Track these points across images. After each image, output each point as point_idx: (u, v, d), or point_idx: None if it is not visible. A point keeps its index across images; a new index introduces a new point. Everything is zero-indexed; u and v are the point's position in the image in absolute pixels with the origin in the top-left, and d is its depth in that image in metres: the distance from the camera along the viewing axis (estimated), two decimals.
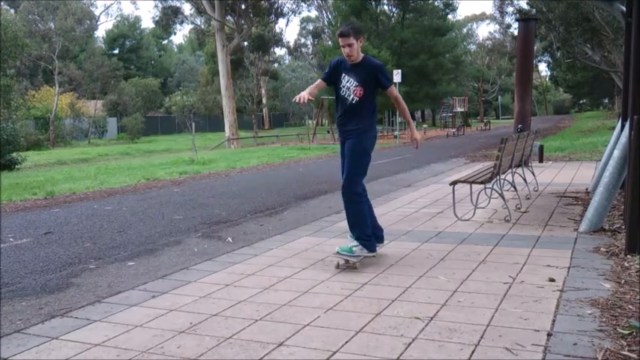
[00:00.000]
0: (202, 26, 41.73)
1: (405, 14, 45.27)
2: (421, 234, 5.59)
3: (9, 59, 21.71)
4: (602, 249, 4.63)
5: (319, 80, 4.69)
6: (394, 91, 4.56)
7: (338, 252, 4.43)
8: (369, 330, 3.09)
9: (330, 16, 52.69)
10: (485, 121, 48.01)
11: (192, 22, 39.06)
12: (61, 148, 35.54)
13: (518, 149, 6.86)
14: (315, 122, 34.41)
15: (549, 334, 2.91)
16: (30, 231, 6.83)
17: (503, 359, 2.65)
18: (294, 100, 4.57)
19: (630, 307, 3.25)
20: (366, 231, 4.48)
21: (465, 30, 71.61)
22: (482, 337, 2.92)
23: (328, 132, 30.64)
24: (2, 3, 40.92)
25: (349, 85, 4.48)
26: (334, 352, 2.81)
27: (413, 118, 49.59)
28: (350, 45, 4.35)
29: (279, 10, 37.64)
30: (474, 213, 6.37)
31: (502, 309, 3.32)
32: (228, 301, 3.72)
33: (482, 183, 6.14)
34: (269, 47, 43.70)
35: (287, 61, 63.63)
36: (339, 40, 4.43)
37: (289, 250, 5.12)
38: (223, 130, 33.41)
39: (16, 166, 20.02)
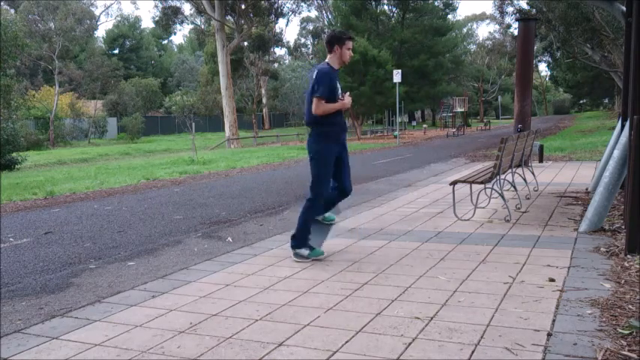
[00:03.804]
0: (202, 26, 41.72)
1: (405, 14, 45.25)
2: (421, 234, 5.59)
3: (9, 59, 21.68)
4: (602, 249, 4.63)
5: (325, 103, 4.50)
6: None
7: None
8: (369, 330, 3.09)
9: (330, 16, 52.68)
10: (485, 121, 48.05)
11: (192, 22, 39.09)
12: (61, 148, 35.55)
13: (518, 149, 6.86)
14: None
15: (549, 334, 2.91)
16: (30, 231, 6.83)
17: (503, 359, 2.65)
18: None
19: (630, 307, 3.25)
20: None
21: (465, 30, 71.58)
22: (482, 337, 2.92)
23: None
24: (2, 3, 40.91)
25: (340, 92, 4.64)
26: (334, 352, 2.81)
27: (413, 118, 49.76)
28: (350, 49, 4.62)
29: (279, 10, 37.60)
30: (474, 213, 6.37)
31: (502, 309, 3.32)
32: (228, 301, 3.72)
33: (482, 183, 6.14)
34: (269, 47, 43.62)
35: (287, 61, 63.59)
36: (350, 43, 4.61)
37: (289, 250, 5.11)
38: (223, 130, 33.40)
39: (16, 166, 20.03)
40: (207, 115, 47.42)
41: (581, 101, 64.70)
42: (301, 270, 4.41)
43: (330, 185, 4.69)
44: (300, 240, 4.68)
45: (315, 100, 4.45)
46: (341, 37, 4.60)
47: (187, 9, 39.32)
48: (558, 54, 37.69)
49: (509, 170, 6.92)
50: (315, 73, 4.50)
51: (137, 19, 72.98)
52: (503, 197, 6.22)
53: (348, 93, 4.68)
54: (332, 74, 4.52)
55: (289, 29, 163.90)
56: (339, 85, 4.61)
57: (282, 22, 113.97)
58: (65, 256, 5.41)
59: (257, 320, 3.33)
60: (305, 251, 4.67)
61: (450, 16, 51.70)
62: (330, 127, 4.58)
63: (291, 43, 54.61)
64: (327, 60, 4.63)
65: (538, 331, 2.97)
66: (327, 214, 4.84)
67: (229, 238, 5.89)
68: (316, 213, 4.69)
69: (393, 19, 45.77)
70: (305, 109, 4.63)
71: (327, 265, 4.52)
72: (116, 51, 68.81)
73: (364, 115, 34.41)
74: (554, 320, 3.11)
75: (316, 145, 4.58)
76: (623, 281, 3.75)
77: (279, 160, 17.49)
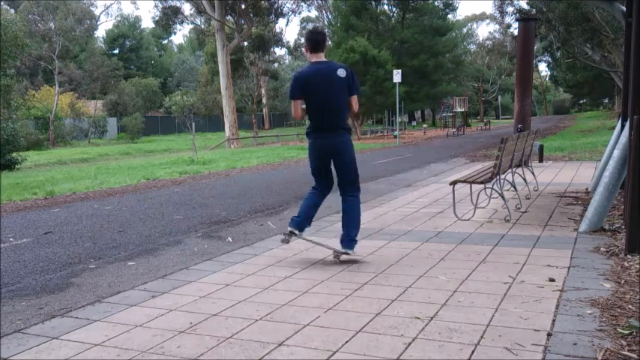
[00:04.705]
0: (202, 26, 41.71)
1: (405, 14, 45.25)
2: (421, 234, 5.59)
3: (9, 59, 21.69)
4: (602, 249, 4.63)
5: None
6: (293, 104, 4.63)
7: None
8: (369, 330, 3.09)
9: (330, 16, 52.67)
10: (485, 121, 48.04)
11: (192, 22, 39.04)
12: (61, 148, 35.55)
13: (518, 149, 6.86)
14: None
15: (549, 334, 2.91)
16: (30, 231, 6.83)
17: (503, 359, 2.65)
18: None
19: (630, 307, 3.25)
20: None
21: (465, 30, 71.60)
22: (482, 337, 2.92)
23: None
24: (2, 3, 40.90)
25: None
26: (334, 352, 2.81)
27: (413, 118, 49.80)
28: None
29: (279, 10, 37.58)
30: (474, 213, 6.37)
31: (502, 309, 3.32)
32: (228, 301, 3.72)
33: (482, 183, 6.14)
34: (269, 47, 43.62)
35: (287, 61, 63.61)
36: None
37: (289, 250, 5.12)
38: (223, 130, 33.40)
39: (16, 165, 20.04)
40: (207, 115, 47.42)
41: (581, 101, 64.70)
42: (301, 270, 4.41)
43: None
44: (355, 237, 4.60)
45: (356, 98, 4.56)
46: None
47: (187, 9, 39.37)
48: (558, 54, 37.69)
49: (509, 170, 6.93)
50: (348, 72, 4.48)
51: (137, 19, 72.98)
52: (503, 197, 6.22)
53: None
54: None
55: (289, 29, 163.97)
56: None
57: (282, 22, 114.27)
58: (65, 256, 5.41)
59: (257, 320, 3.33)
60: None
61: (450, 16, 51.73)
62: None
63: (291, 43, 54.50)
64: (326, 59, 4.61)
65: (538, 331, 2.97)
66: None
67: (229, 238, 5.89)
68: None
69: (393, 19, 45.78)
70: (336, 108, 4.50)
71: (327, 265, 4.52)
72: (116, 51, 68.79)
73: (364, 115, 34.39)
74: (554, 320, 3.11)
75: (350, 140, 4.65)
76: (623, 281, 3.75)
77: (279, 160, 17.50)
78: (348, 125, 4.64)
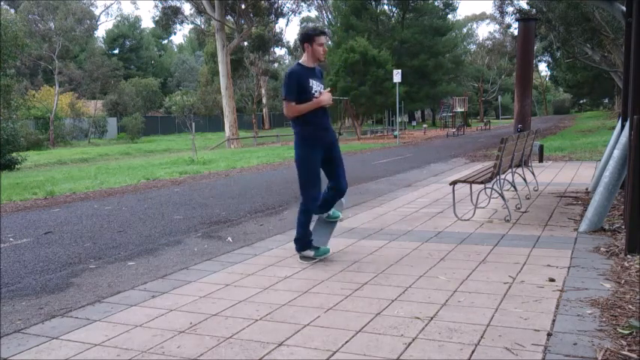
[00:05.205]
0: (202, 26, 41.72)
1: (405, 14, 45.28)
2: (421, 234, 5.59)
3: (9, 59, 21.69)
4: (602, 249, 4.63)
5: (296, 105, 4.41)
6: None
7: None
8: (369, 330, 3.09)
9: (330, 16, 52.69)
10: (485, 121, 48.04)
11: (192, 22, 39.03)
12: (61, 148, 35.55)
13: (518, 149, 6.86)
14: None
15: (549, 334, 2.91)
16: (30, 231, 6.83)
17: (503, 359, 2.65)
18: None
19: (630, 307, 3.25)
20: None
21: (465, 30, 71.62)
22: (482, 337, 2.92)
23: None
24: (2, 3, 40.90)
25: (318, 89, 4.50)
26: (334, 352, 2.81)
27: (413, 118, 49.82)
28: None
29: (279, 10, 37.56)
30: (474, 213, 6.37)
31: (502, 309, 3.32)
32: (228, 301, 3.72)
33: (482, 183, 6.14)
34: (269, 47, 43.63)
35: (287, 61, 63.60)
36: (324, 38, 4.53)
37: (289, 250, 5.11)
38: (223, 130, 33.40)
39: (16, 166, 20.04)
40: (207, 115, 47.42)
41: (581, 101, 64.70)
42: (301, 270, 4.41)
43: (319, 187, 4.57)
44: (302, 243, 4.65)
45: (284, 103, 4.44)
46: (309, 35, 4.51)
47: (187, 9, 39.42)
48: (558, 54, 37.70)
49: (509, 170, 6.92)
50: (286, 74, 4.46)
51: (137, 19, 73.02)
52: (503, 197, 6.22)
53: (328, 89, 4.60)
54: (300, 74, 4.42)
55: (289, 29, 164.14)
56: (316, 82, 4.48)
57: (282, 22, 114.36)
58: (65, 256, 5.41)
59: (257, 320, 3.33)
60: (310, 252, 4.63)
61: (449, 16, 51.75)
62: (306, 127, 4.45)
63: (291, 43, 54.46)
64: (300, 60, 4.56)
65: (538, 331, 2.97)
66: (331, 212, 4.85)
67: (229, 238, 5.89)
68: (310, 215, 4.63)
69: (393, 19, 45.81)
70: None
71: (327, 265, 4.52)
72: (116, 51, 68.81)
73: (364, 115, 34.41)
74: (554, 320, 3.11)
75: (299, 149, 4.50)
76: (623, 281, 3.75)
77: (279, 160, 17.50)
78: (295, 128, 4.51)
